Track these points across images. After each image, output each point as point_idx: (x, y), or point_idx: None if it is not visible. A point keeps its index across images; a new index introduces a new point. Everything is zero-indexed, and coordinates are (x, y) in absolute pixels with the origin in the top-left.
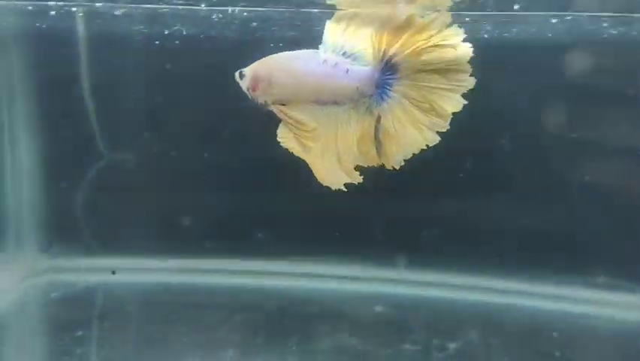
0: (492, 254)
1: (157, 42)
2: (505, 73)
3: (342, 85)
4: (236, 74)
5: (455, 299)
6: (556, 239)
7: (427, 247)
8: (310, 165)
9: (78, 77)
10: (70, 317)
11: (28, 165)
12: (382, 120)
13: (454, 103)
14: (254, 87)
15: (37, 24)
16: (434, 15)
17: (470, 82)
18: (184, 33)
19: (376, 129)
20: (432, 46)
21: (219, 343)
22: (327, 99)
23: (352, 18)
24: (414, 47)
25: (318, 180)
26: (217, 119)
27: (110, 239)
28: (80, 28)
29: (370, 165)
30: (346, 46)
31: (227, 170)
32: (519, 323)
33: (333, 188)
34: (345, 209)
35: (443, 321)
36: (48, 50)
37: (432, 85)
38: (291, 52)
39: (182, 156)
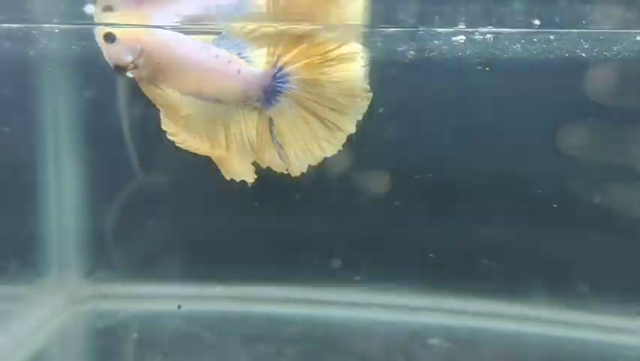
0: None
1: None
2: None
3: (229, 84)
4: (100, 33)
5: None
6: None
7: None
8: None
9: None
10: (114, 347)
11: (72, 189)
12: (276, 123)
13: (347, 124)
14: (138, 57)
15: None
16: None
17: (362, 109)
18: None
19: (271, 132)
20: (327, 61)
21: None
22: (209, 94)
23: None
24: (308, 59)
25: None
26: None
27: (152, 265)
28: None
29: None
30: (243, 46)
31: (275, 193)
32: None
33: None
34: (398, 235)
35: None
36: (92, 72)
37: (325, 103)
38: (182, 35)
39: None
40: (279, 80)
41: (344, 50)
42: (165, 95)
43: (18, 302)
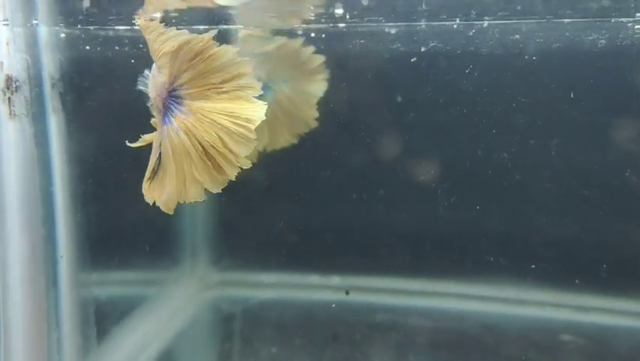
0: None
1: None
2: None
3: (150, 90)
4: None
5: None
6: None
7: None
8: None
9: None
10: (246, 331)
11: None
12: (162, 147)
13: (231, 168)
14: None
15: None
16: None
17: (248, 149)
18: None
19: (159, 153)
20: (221, 93)
21: None
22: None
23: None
24: (203, 87)
25: None
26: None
27: (273, 255)
28: None
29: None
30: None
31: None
32: None
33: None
34: (524, 232)
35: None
36: None
37: (211, 139)
38: None
39: (350, 174)
40: (172, 99)
41: (242, 82)
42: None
43: (157, 286)
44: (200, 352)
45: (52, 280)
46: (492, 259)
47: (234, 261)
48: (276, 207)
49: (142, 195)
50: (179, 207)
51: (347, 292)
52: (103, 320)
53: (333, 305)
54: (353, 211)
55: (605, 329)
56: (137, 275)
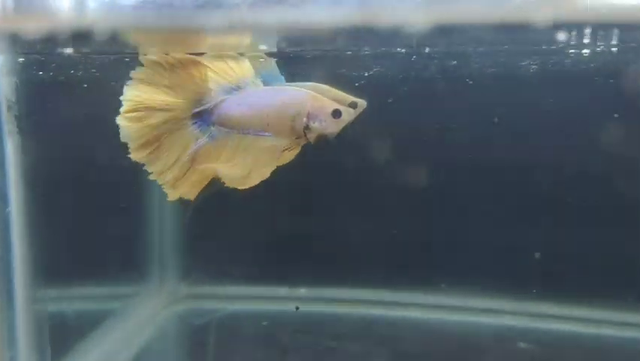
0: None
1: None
2: None
3: None
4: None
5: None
6: None
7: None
8: None
9: None
10: (214, 343)
11: (171, 205)
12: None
13: None
14: None
15: None
16: None
17: None
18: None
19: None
20: None
21: None
22: None
23: None
24: None
25: None
26: None
27: (240, 268)
28: None
29: None
30: None
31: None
32: None
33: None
34: (481, 241)
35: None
36: None
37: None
38: None
39: (317, 185)
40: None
41: None
42: None
43: (127, 300)
44: None
45: (7, 299)
46: (454, 269)
47: (203, 274)
48: (243, 221)
49: (106, 211)
50: (148, 221)
51: (297, 308)
52: (63, 337)
53: (295, 314)
54: (319, 224)
55: (560, 337)
56: (103, 290)
